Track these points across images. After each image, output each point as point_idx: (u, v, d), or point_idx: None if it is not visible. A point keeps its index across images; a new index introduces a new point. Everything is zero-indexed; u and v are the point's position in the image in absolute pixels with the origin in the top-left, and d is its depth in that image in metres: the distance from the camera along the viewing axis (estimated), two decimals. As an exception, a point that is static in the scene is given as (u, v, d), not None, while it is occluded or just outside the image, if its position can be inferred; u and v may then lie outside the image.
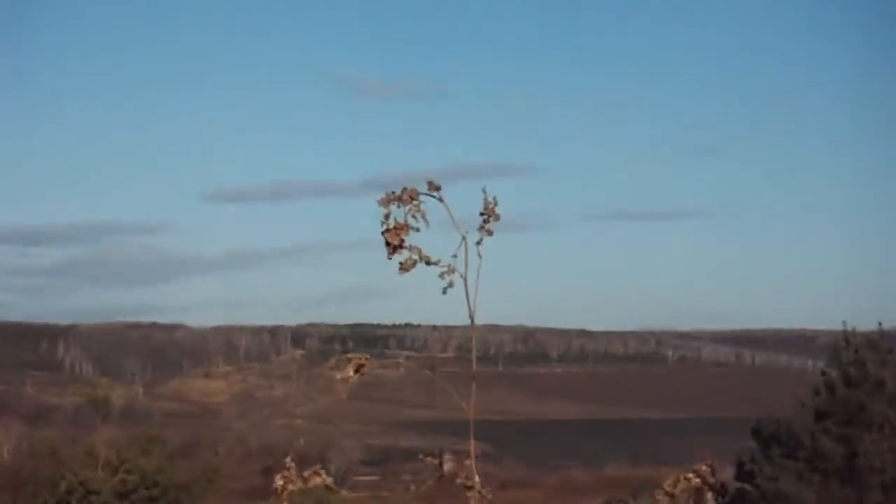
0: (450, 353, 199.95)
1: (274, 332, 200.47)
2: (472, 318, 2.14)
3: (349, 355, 2.36)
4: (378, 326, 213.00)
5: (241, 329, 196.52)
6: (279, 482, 2.21)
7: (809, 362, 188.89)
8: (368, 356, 2.31)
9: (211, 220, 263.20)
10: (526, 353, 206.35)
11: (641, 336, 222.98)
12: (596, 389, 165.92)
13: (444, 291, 2.11)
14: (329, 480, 2.21)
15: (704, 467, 2.00)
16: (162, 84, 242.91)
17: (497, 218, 2.05)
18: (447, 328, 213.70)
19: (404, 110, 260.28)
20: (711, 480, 1.98)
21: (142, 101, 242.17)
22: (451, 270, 2.10)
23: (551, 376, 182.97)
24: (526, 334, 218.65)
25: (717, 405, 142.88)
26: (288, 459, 2.26)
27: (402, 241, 2.05)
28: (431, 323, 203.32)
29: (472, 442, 2.19)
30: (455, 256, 2.06)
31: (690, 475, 2.01)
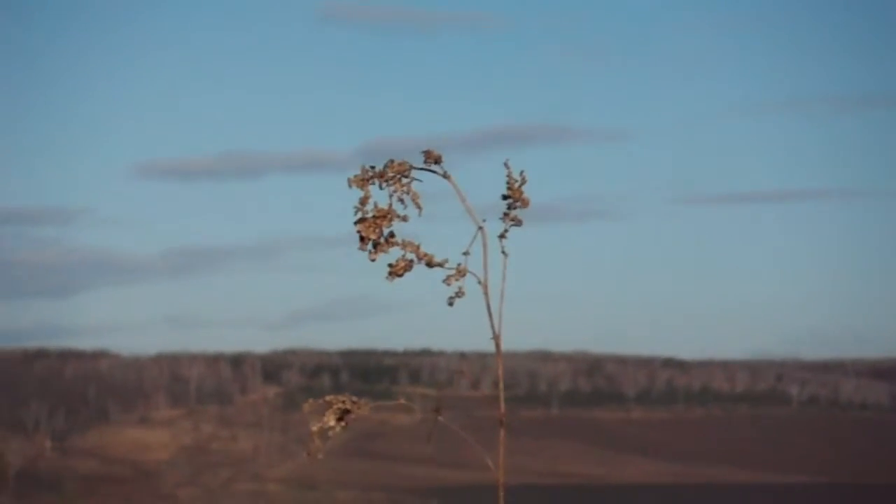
0: (483, 390, 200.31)
1: (238, 361, 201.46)
2: (496, 339, 2.09)
3: (329, 397, 2.34)
4: (384, 354, 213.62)
5: (192, 358, 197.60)
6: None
7: None
8: (357, 398, 2.28)
9: (145, 204, 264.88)
10: (591, 390, 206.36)
11: (755, 367, 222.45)
12: (688, 442, 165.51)
13: (451, 302, 2.07)
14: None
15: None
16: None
17: (525, 203, 1.99)
18: (479, 356, 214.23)
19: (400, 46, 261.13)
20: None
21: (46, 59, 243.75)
22: (462, 274, 2.05)
23: (626, 423, 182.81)
24: (591, 365, 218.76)
25: (864, 466, 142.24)
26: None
27: (382, 233, 2.00)
28: (458, 349, 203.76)
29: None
30: (467, 254, 2.01)
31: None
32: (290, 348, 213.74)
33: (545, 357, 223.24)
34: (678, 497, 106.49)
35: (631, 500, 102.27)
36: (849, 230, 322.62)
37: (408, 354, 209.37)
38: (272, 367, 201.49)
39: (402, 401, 2.23)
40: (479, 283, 2.08)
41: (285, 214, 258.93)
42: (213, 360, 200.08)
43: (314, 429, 2.30)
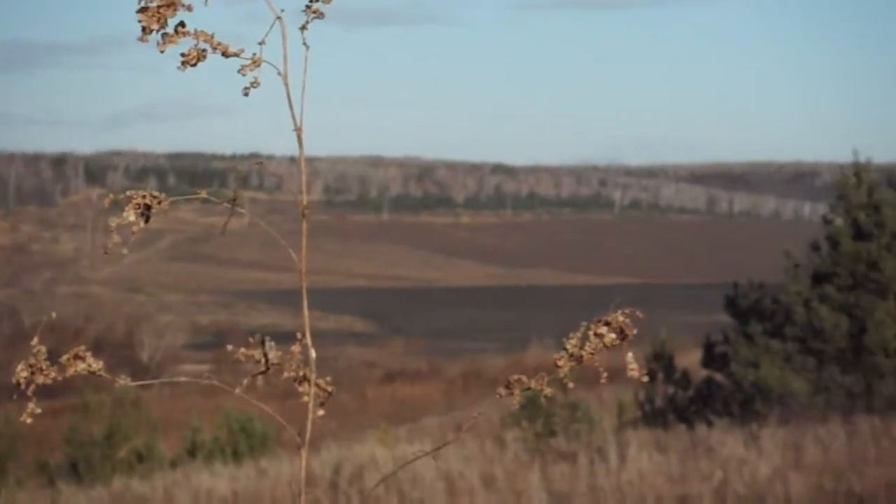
0: (315, 196, 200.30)
1: (59, 161, 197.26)
2: (298, 132, 2.06)
3: (129, 192, 2.29)
4: (212, 157, 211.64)
5: (10, 157, 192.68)
6: (22, 373, 2.15)
7: (807, 207, 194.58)
8: (158, 193, 2.23)
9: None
10: (421, 196, 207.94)
11: (579, 173, 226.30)
12: (516, 246, 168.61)
13: (246, 93, 2.03)
14: (98, 366, 2.16)
15: (621, 317, 2.00)
16: None
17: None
18: (311, 160, 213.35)
19: None
20: (632, 334, 1.98)
21: None
22: (257, 63, 2.00)
23: (456, 228, 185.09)
24: (421, 171, 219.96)
25: (681, 266, 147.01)
26: (35, 340, 2.20)
27: (166, 23, 1.93)
28: (287, 154, 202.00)
29: (305, 313, 2.16)
30: (263, 43, 1.97)
31: (602, 329, 2.00)
32: (115, 149, 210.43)
33: (376, 162, 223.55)
34: (506, 297, 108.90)
35: (460, 302, 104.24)
36: (679, 38, 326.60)
37: (237, 158, 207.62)
38: (96, 168, 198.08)
39: (204, 194, 2.19)
40: (279, 73, 2.04)
41: (109, 11, 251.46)
42: (34, 159, 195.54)
43: (113, 224, 2.26)
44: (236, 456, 24.48)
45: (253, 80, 1.96)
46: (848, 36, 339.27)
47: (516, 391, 2.21)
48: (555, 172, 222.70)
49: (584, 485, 16.75)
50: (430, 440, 22.93)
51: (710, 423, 22.73)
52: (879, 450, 18.10)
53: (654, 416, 25.21)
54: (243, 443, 25.53)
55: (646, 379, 2.11)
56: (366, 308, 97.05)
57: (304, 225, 2.17)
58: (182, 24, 1.92)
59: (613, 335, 2.09)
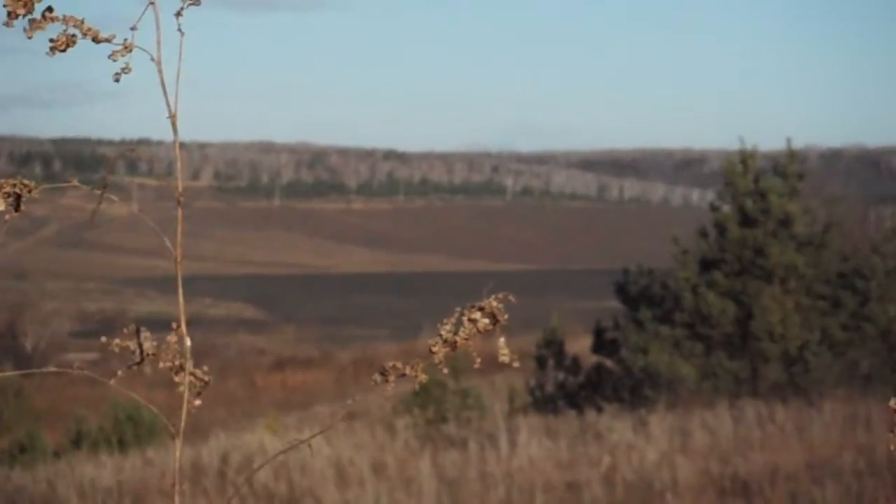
0: (204, 182, 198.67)
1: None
2: (173, 122, 2.04)
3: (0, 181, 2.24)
4: (99, 142, 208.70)
5: None
6: None
7: (695, 194, 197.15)
8: (28, 181, 2.18)
9: None
10: (313, 182, 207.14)
11: (472, 159, 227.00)
12: (409, 232, 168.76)
13: (117, 78, 2.00)
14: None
15: (494, 302, 2.00)
16: None
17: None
18: (202, 146, 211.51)
19: None
20: (504, 319, 1.98)
21: None
22: (129, 49, 1.97)
23: (348, 214, 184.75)
24: (313, 156, 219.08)
25: (573, 252, 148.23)
26: None
27: (32, 8, 1.90)
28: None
29: (181, 301, 2.13)
30: (135, 29, 1.94)
31: (476, 314, 2.01)
32: None
33: (267, 148, 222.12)
34: (398, 284, 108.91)
35: (352, 289, 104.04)
36: (570, 25, 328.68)
37: (125, 144, 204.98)
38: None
39: (75, 182, 2.16)
40: (152, 59, 2.01)
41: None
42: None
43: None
44: (123, 446, 24.19)
45: (124, 65, 1.93)
46: (734, 24, 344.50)
47: (391, 378, 2.20)
48: (447, 159, 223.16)
49: (475, 471, 16.83)
50: (320, 427, 22.85)
51: (599, 409, 22.97)
52: (764, 434, 18.41)
53: (544, 402, 25.40)
54: (130, 432, 25.23)
55: (516, 364, 2.12)
56: (257, 295, 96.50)
57: (180, 212, 2.15)
58: (50, 8, 1.88)
59: (487, 320, 2.09)
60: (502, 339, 2.04)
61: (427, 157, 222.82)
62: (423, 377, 2.11)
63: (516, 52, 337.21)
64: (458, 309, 2.08)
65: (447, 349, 2.10)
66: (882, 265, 25.08)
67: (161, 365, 2.43)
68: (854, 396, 21.65)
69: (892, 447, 2.15)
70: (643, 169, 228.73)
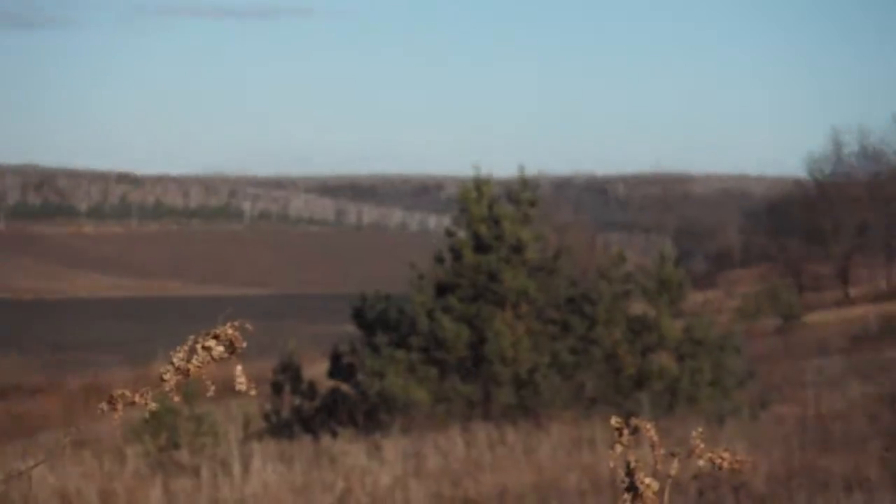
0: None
1: None
2: None
3: None
4: None
5: None
6: None
7: (432, 220, 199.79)
8: None
9: None
10: (41, 204, 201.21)
11: (209, 183, 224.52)
12: (142, 257, 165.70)
13: None
14: None
15: (230, 329, 2.01)
16: None
17: None
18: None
19: None
20: (241, 346, 1.99)
21: None
22: None
23: (78, 238, 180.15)
24: (41, 178, 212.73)
25: (311, 277, 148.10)
26: None
27: None
28: None
29: None
30: None
31: (211, 342, 2.01)
32: None
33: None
34: (133, 309, 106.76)
35: (83, 314, 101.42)
36: (317, 50, 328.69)
37: None
38: None
39: None
40: None
41: None
42: None
43: None
44: None
45: None
46: (469, 54, 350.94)
47: (119, 406, 2.18)
48: (183, 182, 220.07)
49: (206, 498, 16.63)
50: (44, 456, 22.17)
51: (335, 434, 22.99)
52: (495, 456, 18.78)
53: (280, 428, 25.29)
54: None
55: (253, 392, 2.12)
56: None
57: None
58: None
59: (222, 348, 2.09)
60: (239, 368, 2.04)
61: (161, 181, 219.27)
62: (152, 405, 2.09)
63: (254, 75, 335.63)
64: (193, 336, 2.07)
65: (179, 377, 2.08)
66: (609, 290, 25.88)
67: None
68: (579, 418, 22.30)
69: (610, 464, 2.24)
70: (381, 194, 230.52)
